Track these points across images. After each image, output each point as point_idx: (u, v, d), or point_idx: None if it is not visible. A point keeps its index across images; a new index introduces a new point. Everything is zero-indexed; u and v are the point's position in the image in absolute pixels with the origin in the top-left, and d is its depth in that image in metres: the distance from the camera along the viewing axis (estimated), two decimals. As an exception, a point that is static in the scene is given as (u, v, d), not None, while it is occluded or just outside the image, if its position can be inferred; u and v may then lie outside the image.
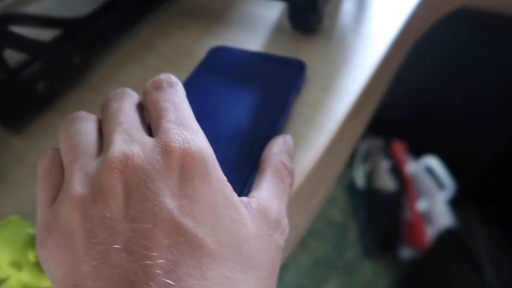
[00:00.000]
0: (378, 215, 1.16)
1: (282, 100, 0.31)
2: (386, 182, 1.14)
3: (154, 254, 0.16)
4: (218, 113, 0.31)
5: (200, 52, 0.41)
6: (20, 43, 0.32)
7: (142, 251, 0.16)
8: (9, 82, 0.32)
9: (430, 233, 1.04)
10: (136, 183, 0.17)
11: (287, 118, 0.32)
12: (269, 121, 0.30)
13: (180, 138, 0.19)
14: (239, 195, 0.24)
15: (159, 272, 0.16)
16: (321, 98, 0.32)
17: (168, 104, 0.21)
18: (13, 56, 0.42)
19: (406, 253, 1.09)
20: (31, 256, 0.24)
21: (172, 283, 0.16)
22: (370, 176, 1.20)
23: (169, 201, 0.17)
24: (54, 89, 0.36)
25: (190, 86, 0.34)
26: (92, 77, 0.40)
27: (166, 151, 0.18)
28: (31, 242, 0.25)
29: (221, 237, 0.18)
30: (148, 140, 0.19)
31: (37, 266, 0.24)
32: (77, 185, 0.18)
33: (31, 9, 0.48)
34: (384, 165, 1.15)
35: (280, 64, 0.35)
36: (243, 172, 0.26)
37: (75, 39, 0.38)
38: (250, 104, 0.31)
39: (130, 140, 0.19)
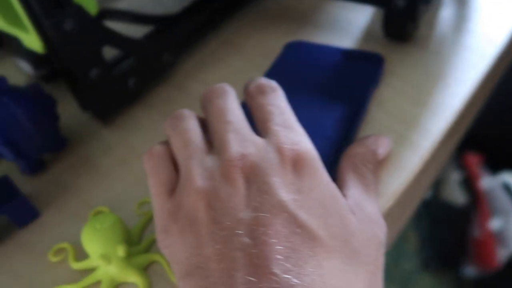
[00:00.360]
0: (443, 229, 1.10)
1: (360, 95, 0.32)
2: (456, 194, 1.07)
3: (274, 240, 0.17)
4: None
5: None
6: (117, 40, 0.34)
7: (262, 237, 0.17)
8: (105, 77, 0.34)
9: (501, 254, 0.97)
10: (254, 178, 0.19)
11: (365, 113, 0.31)
12: (346, 115, 0.30)
13: (289, 140, 0.21)
14: None
15: (278, 257, 0.17)
16: (415, 114, 0.30)
17: (273, 108, 0.23)
18: (107, 53, 0.44)
19: (470, 271, 1.02)
20: (120, 251, 0.25)
21: (292, 268, 0.17)
22: (438, 186, 1.14)
23: (284, 194, 0.19)
24: (143, 85, 0.37)
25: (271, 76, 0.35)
26: (176, 75, 0.41)
27: (279, 151, 0.20)
28: (121, 238, 0.26)
29: (331, 230, 0.19)
30: (259, 140, 0.21)
31: (125, 261, 0.25)
32: (199, 179, 0.20)
33: (122, 5, 0.50)
34: (454, 177, 1.09)
35: (357, 58, 0.35)
36: None
37: (166, 37, 0.38)
38: (326, 99, 0.32)
39: (243, 140, 0.21)
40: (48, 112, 0.31)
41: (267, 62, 0.40)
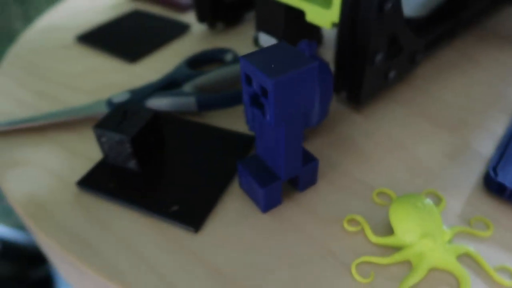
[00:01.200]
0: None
1: None
2: None
3: None
4: None
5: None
6: (402, 30, 0.34)
7: None
8: (383, 64, 0.34)
9: None
10: None
11: None
12: None
13: None
14: None
15: None
16: None
17: None
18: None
19: None
20: (447, 234, 0.24)
21: None
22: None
23: None
24: (396, 79, 0.37)
25: None
26: (415, 78, 0.40)
27: None
28: (441, 221, 0.25)
29: None
30: None
31: (447, 246, 0.24)
32: None
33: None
34: None
35: None
36: None
37: (421, 35, 0.38)
38: None
39: None
40: (331, 85, 0.31)
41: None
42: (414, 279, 0.23)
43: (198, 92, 0.36)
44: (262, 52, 0.23)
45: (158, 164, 0.31)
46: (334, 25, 0.33)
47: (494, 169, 0.28)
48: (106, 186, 0.29)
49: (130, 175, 0.30)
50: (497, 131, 0.33)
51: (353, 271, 0.24)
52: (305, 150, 0.29)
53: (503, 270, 0.24)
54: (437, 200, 0.28)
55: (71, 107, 0.36)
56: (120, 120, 0.30)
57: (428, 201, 0.25)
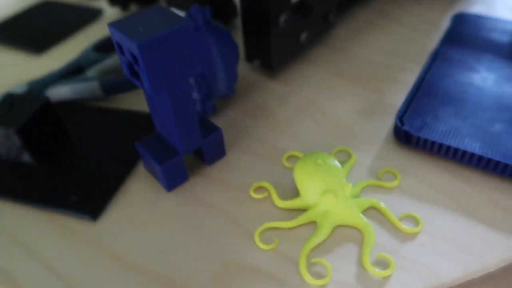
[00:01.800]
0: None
1: None
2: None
3: None
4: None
5: (445, 24, 0.38)
6: (301, -12, 0.32)
7: None
8: (287, 26, 0.32)
9: None
10: None
11: None
12: None
13: None
14: None
15: None
16: None
17: None
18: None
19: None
20: (347, 189, 0.23)
21: None
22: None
23: None
24: (311, 42, 0.36)
25: (448, 49, 0.33)
26: (334, 40, 0.39)
27: None
28: (343, 176, 0.24)
29: None
30: None
31: (350, 201, 0.23)
32: None
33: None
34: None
35: None
36: None
37: (332, -5, 0.37)
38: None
39: None
40: (235, 51, 0.30)
41: (427, 29, 0.38)
42: (318, 238, 0.22)
43: (103, 77, 0.34)
44: (134, 16, 0.21)
45: (60, 155, 0.29)
46: (233, -11, 0.31)
47: (401, 118, 0.27)
48: (-2, 184, 0.27)
49: (29, 169, 0.28)
50: (411, 83, 0.33)
51: (256, 238, 0.23)
52: (207, 120, 0.27)
53: (408, 218, 0.23)
54: (348, 157, 0.27)
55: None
56: (5, 112, 0.27)
57: (330, 157, 0.24)
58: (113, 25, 0.21)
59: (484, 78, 0.30)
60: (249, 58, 0.34)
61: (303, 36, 0.34)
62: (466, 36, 0.35)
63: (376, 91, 0.32)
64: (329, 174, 0.23)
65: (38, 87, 0.33)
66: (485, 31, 0.35)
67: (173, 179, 0.26)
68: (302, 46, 0.35)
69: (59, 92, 0.33)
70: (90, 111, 0.32)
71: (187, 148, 0.25)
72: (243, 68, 0.36)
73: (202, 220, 0.24)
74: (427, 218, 0.23)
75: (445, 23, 0.39)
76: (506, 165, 0.24)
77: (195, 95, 0.29)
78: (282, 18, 0.31)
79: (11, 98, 0.28)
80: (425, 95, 0.29)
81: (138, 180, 0.27)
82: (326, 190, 0.23)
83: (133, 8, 0.46)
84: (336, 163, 0.24)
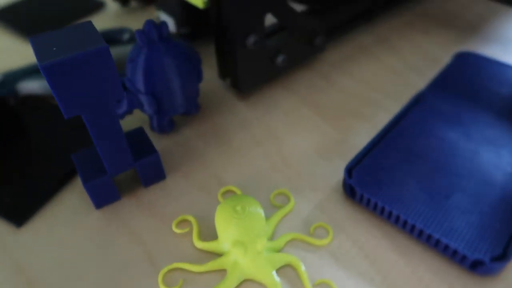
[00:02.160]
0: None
1: None
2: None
3: None
4: (477, 127, 0.27)
5: (446, 61, 0.35)
6: (282, 8, 0.30)
7: None
8: (259, 47, 0.30)
9: None
10: None
11: None
12: None
13: None
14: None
15: None
16: None
17: None
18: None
19: None
20: (259, 245, 0.21)
21: None
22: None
23: None
24: (290, 65, 0.34)
25: (435, 94, 0.30)
26: (321, 63, 0.37)
27: None
28: (260, 229, 0.22)
29: None
30: None
31: (261, 256, 0.21)
32: None
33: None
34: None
35: None
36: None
37: (321, 18, 0.35)
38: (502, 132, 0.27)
39: None
40: (195, 69, 0.28)
41: (425, 66, 0.35)
42: (221, 290, 0.21)
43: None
44: (58, 32, 0.21)
45: (6, 153, 0.29)
46: (206, 4, 0.30)
47: (350, 170, 0.25)
48: None
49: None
50: (382, 126, 0.30)
51: (160, 278, 0.22)
52: (146, 141, 0.26)
53: (322, 284, 0.21)
54: (287, 201, 0.25)
55: None
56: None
57: (253, 204, 0.23)
58: (32, 39, 0.20)
59: (461, 136, 0.27)
60: (221, 75, 0.33)
61: (280, 59, 0.32)
62: (461, 81, 0.31)
63: (344, 129, 0.30)
64: (244, 223, 0.22)
65: (11, 78, 0.34)
66: (485, 77, 0.32)
67: (100, 198, 0.25)
68: (279, 69, 0.33)
69: (31, 86, 0.33)
70: (51, 108, 0.32)
71: (115, 171, 0.24)
72: (217, 84, 0.35)
73: (118, 247, 0.24)
74: (341, 286, 0.21)
75: (446, 62, 0.36)
76: (447, 246, 0.21)
77: (149, 111, 0.28)
78: (251, 40, 0.29)
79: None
80: (387, 147, 0.26)
81: (74, 191, 0.27)
82: (236, 241, 0.21)
83: (133, 4, 0.46)
84: (258, 211, 0.22)
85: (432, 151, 0.26)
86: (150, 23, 0.26)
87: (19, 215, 0.25)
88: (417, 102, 0.30)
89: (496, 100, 0.29)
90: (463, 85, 0.31)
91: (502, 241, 0.21)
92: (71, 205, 0.26)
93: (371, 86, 0.34)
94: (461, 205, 0.23)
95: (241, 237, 0.22)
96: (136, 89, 0.27)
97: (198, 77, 0.29)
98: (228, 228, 0.22)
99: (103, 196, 0.25)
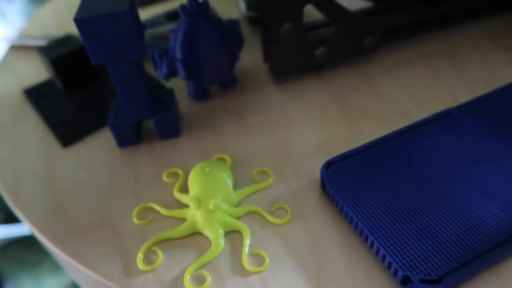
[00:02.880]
0: None
1: None
2: None
3: None
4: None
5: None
6: (325, 2, 0.31)
7: None
8: (295, 37, 0.32)
9: None
10: None
11: None
12: None
13: None
14: None
15: None
16: None
17: None
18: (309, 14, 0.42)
19: None
20: (211, 204, 0.24)
21: None
22: None
23: None
24: (331, 60, 0.34)
25: (463, 113, 0.28)
26: (370, 64, 0.36)
27: None
28: (220, 192, 0.24)
29: None
30: None
31: (211, 214, 0.24)
32: None
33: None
34: None
35: None
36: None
37: (378, 18, 0.34)
38: None
39: None
40: (233, 48, 0.31)
41: (486, 88, 0.32)
42: (172, 233, 0.24)
43: (152, 41, 0.40)
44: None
45: (77, 94, 0.36)
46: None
47: (329, 165, 0.25)
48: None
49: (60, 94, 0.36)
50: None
51: (135, 212, 0.26)
52: (170, 101, 0.30)
53: (258, 256, 0.23)
54: (267, 178, 0.27)
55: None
56: (55, 46, 0.36)
57: (221, 169, 0.25)
58: None
59: (466, 161, 0.25)
60: (264, 59, 0.35)
61: (319, 51, 0.33)
62: (507, 107, 0.28)
63: (357, 131, 0.30)
64: (206, 183, 0.24)
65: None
66: None
67: (121, 140, 0.30)
68: (318, 61, 0.34)
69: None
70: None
71: (135, 118, 0.29)
72: (262, 68, 0.37)
73: (120, 179, 0.28)
74: (274, 266, 0.22)
75: None
76: (385, 256, 0.21)
77: (182, 76, 0.32)
78: (285, 28, 0.31)
79: (66, 38, 0.37)
80: (378, 154, 0.26)
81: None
82: (194, 196, 0.24)
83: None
84: (223, 176, 0.25)
85: (425, 168, 0.24)
86: None
87: (68, 138, 0.32)
88: (438, 118, 0.28)
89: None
90: (509, 109, 0.28)
91: (445, 268, 0.20)
92: (104, 141, 0.32)
93: (410, 96, 0.32)
94: (423, 225, 0.21)
95: (200, 194, 0.24)
96: (174, 56, 0.31)
97: (234, 55, 0.32)
98: (193, 185, 0.25)
99: (124, 138, 0.30)
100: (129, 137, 0.30)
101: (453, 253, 0.20)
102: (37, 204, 0.27)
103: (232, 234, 0.24)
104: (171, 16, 0.45)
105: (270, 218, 0.24)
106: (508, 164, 0.24)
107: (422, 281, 0.19)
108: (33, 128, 0.34)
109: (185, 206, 0.26)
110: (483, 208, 0.22)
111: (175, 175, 0.28)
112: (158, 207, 0.26)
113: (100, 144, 0.31)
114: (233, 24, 0.32)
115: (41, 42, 0.44)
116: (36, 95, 0.36)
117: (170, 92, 0.31)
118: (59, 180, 0.29)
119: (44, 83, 0.38)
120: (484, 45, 0.36)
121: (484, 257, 0.20)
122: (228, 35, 0.31)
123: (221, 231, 0.24)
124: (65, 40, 0.36)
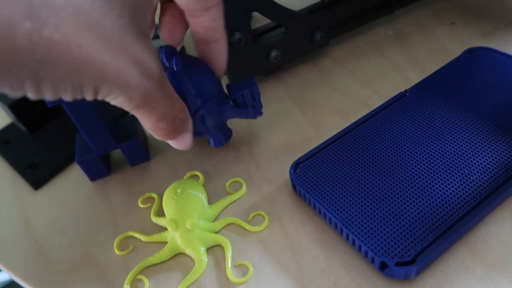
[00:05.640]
0: None
1: None
2: None
3: None
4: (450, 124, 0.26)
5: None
6: (269, 7, 0.32)
7: None
8: (246, 44, 0.32)
9: None
10: None
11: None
12: None
13: None
14: None
15: None
16: None
17: None
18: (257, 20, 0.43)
19: None
20: (188, 223, 0.24)
21: None
22: None
23: None
24: (285, 61, 0.35)
25: (419, 93, 0.29)
26: (324, 58, 0.37)
27: None
28: (195, 210, 0.25)
29: None
30: None
31: (190, 233, 0.24)
32: None
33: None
34: None
35: None
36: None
37: (324, 13, 0.35)
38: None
39: None
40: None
41: (433, 64, 0.33)
42: (154, 259, 0.24)
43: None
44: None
45: (44, 132, 0.36)
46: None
47: (297, 165, 0.26)
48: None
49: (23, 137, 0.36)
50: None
51: (115, 243, 0.26)
52: (133, 128, 0.30)
53: (242, 266, 0.23)
54: (240, 187, 0.28)
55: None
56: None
57: (193, 188, 0.25)
58: None
59: (427, 139, 0.26)
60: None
61: (273, 55, 0.34)
62: (461, 78, 0.29)
63: (320, 127, 0.30)
64: (180, 204, 0.25)
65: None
66: (497, 73, 0.29)
67: (92, 173, 0.30)
68: (273, 64, 0.35)
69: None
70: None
71: (101, 151, 0.29)
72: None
73: (97, 213, 0.28)
74: (258, 273, 0.23)
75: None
76: (360, 246, 0.21)
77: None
78: (234, 38, 0.31)
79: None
80: (342, 147, 0.26)
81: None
82: (170, 219, 0.24)
83: None
84: (197, 194, 0.25)
85: (386, 153, 0.25)
86: (162, 53, 0.25)
87: (38, 181, 0.31)
88: (395, 101, 0.29)
89: (490, 101, 0.27)
90: (460, 82, 0.29)
91: (417, 248, 0.20)
92: (76, 176, 0.32)
93: (365, 84, 0.33)
94: (392, 209, 0.22)
95: (175, 216, 0.25)
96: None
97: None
98: (168, 208, 0.25)
99: (94, 171, 0.30)
100: (100, 169, 0.30)
101: (423, 231, 0.21)
102: (15, 251, 0.27)
103: (214, 249, 0.25)
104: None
105: (248, 226, 0.25)
106: (464, 137, 0.25)
107: (398, 264, 0.20)
108: (1, 174, 0.33)
109: (165, 229, 0.26)
110: (445, 184, 0.23)
111: (150, 199, 0.28)
112: (137, 235, 0.26)
113: (72, 180, 0.31)
114: None
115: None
116: (1, 141, 0.36)
117: (133, 119, 0.31)
118: (35, 224, 0.29)
119: (8, 127, 0.37)
120: (429, 23, 0.37)
121: (451, 230, 0.21)
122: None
123: (203, 248, 0.24)
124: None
